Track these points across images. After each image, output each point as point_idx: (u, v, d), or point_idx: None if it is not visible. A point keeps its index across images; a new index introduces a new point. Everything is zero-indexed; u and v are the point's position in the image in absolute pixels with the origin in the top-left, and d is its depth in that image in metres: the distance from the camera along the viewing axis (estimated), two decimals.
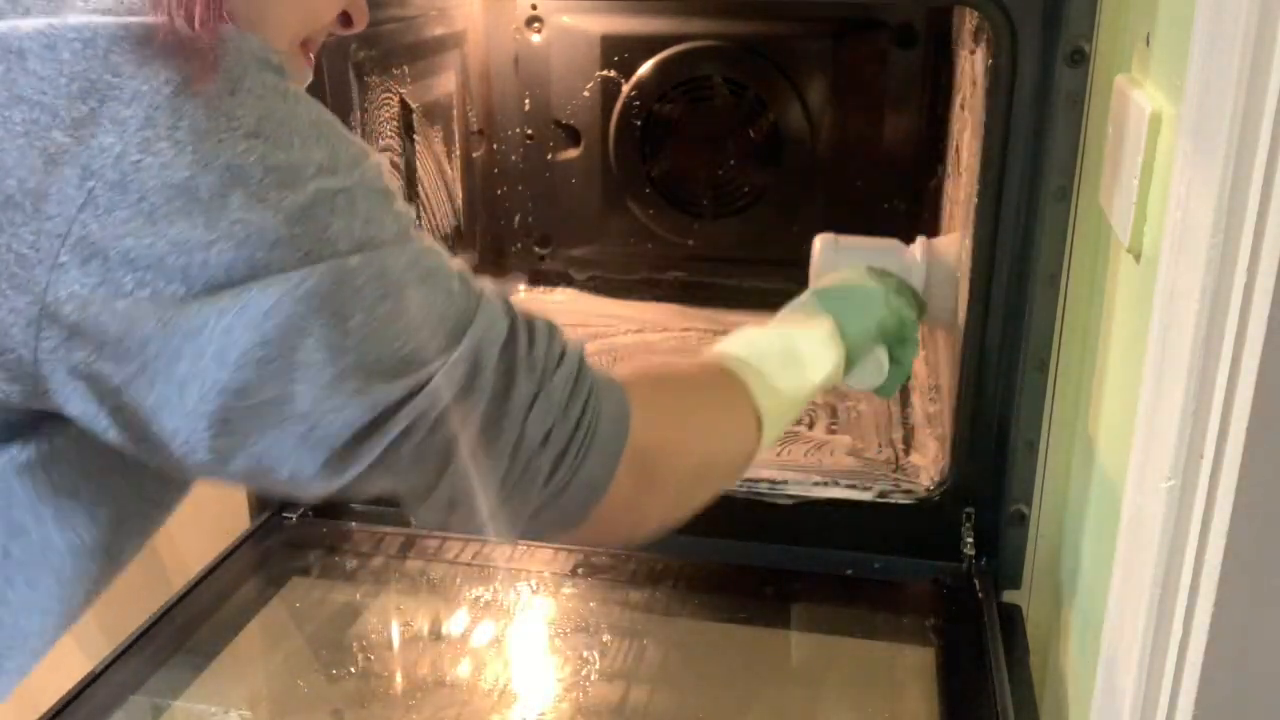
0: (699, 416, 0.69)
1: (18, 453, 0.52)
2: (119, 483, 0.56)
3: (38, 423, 0.52)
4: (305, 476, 0.52)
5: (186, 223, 0.45)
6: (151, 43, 0.46)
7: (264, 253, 0.47)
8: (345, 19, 0.61)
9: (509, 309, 0.58)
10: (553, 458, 0.57)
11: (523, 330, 0.57)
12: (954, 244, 1.08)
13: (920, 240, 1.09)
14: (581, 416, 0.58)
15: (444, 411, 0.53)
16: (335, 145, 0.50)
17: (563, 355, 0.59)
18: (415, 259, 0.52)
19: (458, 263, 0.56)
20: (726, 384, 0.72)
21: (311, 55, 0.61)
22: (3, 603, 0.55)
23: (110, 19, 0.46)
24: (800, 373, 0.78)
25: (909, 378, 0.90)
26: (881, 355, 0.89)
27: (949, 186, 1.37)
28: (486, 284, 0.58)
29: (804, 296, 0.89)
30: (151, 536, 0.61)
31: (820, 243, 1.08)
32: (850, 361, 0.85)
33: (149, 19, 0.47)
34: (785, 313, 0.86)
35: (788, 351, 0.78)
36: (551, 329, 0.60)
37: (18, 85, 0.45)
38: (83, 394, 0.48)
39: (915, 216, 1.52)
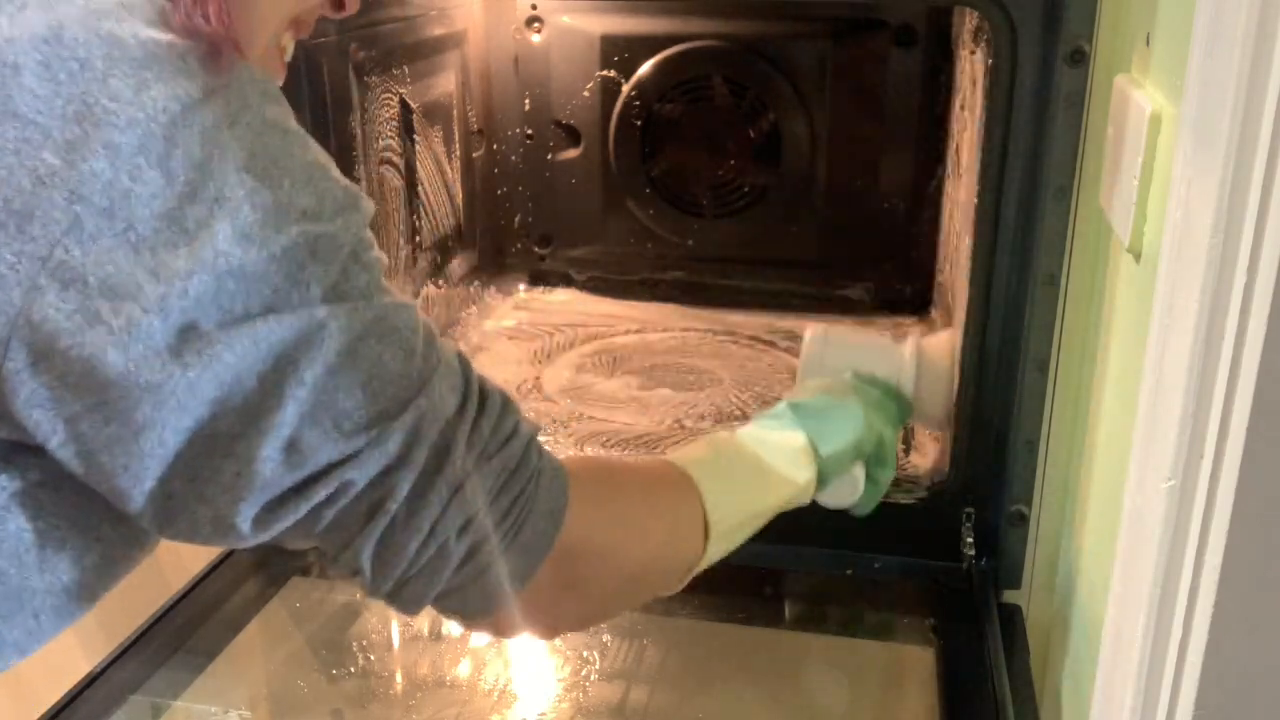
0: (641, 521, 0.66)
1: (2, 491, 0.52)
2: (106, 530, 0.56)
3: (11, 456, 0.52)
4: (234, 529, 0.51)
5: (169, 252, 0.45)
6: (153, 65, 0.45)
7: (237, 285, 0.47)
8: (337, 1, 0.60)
9: (466, 379, 0.57)
10: (467, 547, 0.56)
11: (472, 406, 0.56)
12: (946, 344, 1.06)
13: (911, 340, 1.06)
14: (511, 509, 0.57)
15: (373, 480, 0.52)
16: (323, 191, 0.50)
17: (509, 439, 0.57)
18: (382, 314, 0.52)
19: (424, 318, 0.55)
20: (678, 489, 0.69)
21: (300, 36, 0.60)
22: None
23: (108, 34, 0.45)
24: (764, 487, 0.76)
25: (883, 496, 0.89)
26: (858, 473, 0.86)
27: (949, 186, 1.37)
28: (449, 347, 0.57)
29: (780, 408, 0.85)
30: (128, 575, 0.60)
31: (810, 338, 1.05)
32: (823, 480, 0.82)
33: (158, 32, 0.46)
34: (759, 423, 0.84)
35: (754, 465, 0.76)
36: (505, 406, 0.58)
37: (12, 101, 0.44)
38: (44, 419, 0.48)
39: (915, 216, 1.52)
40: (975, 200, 0.97)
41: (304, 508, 0.51)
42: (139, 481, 0.49)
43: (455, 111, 1.48)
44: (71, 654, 1.21)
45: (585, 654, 0.98)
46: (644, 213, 1.58)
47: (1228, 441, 0.54)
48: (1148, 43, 0.75)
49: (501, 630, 0.62)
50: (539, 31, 1.53)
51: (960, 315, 1.05)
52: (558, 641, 1.00)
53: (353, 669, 0.97)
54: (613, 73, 1.53)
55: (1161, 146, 0.69)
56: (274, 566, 1.10)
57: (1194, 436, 0.56)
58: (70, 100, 0.44)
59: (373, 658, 0.98)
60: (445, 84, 1.44)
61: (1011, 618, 1.01)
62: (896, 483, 1.09)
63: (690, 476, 0.70)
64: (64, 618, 0.57)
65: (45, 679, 0.97)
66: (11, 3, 0.46)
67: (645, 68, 1.51)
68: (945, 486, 1.06)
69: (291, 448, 0.50)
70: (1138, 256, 0.74)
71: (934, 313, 1.48)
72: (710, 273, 1.60)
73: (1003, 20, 0.89)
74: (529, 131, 1.58)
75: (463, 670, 0.97)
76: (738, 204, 1.56)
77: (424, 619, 1.04)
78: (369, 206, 0.53)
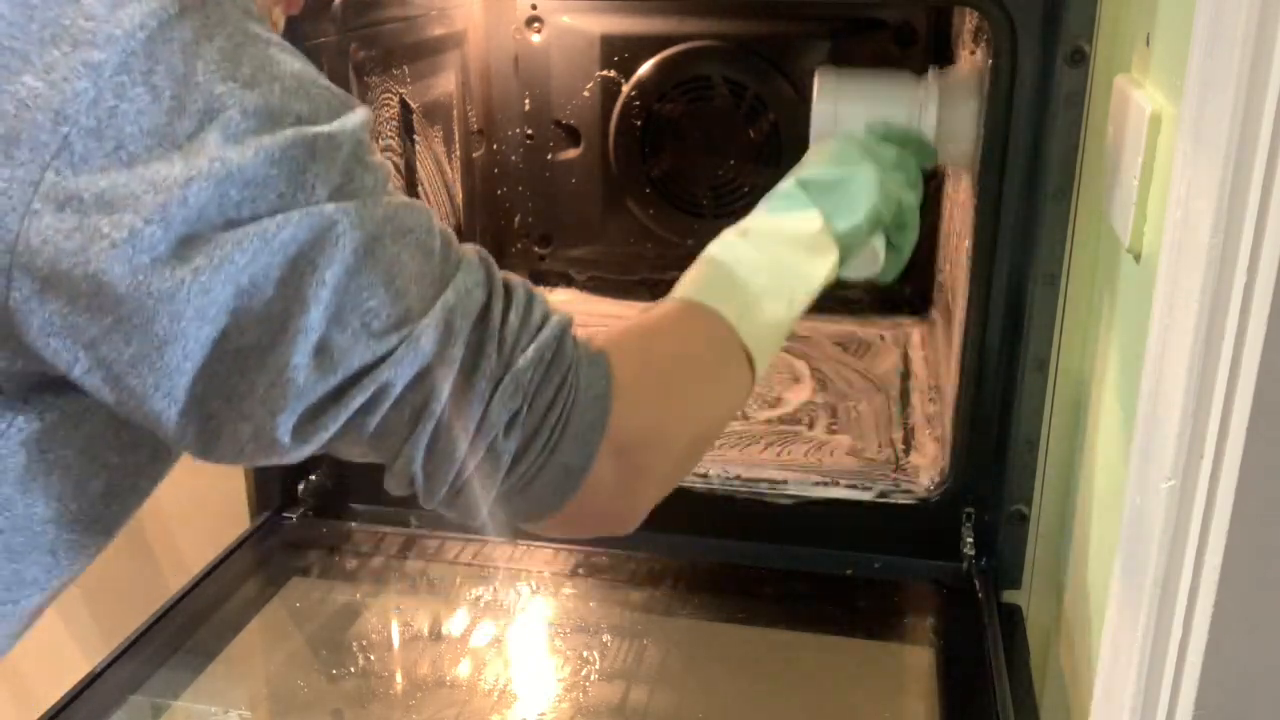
0: (688, 385, 0.65)
1: (9, 428, 0.52)
2: (112, 457, 0.55)
3: (30, 395, 0.52)
4: (276, 442, 0.51)
5: (163, 164, 0.45)
6: None
7: (240, 192, 0.46)
8: None
9: (489, 276, 0.56)
10: (518, 443, 0.55)
11: (499, 301, 0.55)
12: (969, 74, 0.98)
13: (932, 72, 0.98)
14: (555, 400, 0.55)
15: (410, 382, 0.51)
16: (315, 95, 0.49)
17: (539, 329, 0.56)
18: (393, 213, 0.51)
19: (440, 223, 0.55)
20: (713, 336, 0.66)
21: (291, 12, 0.60)
22: None
23: None
24: (792, 294, 0.72)
25: (908, 263, 0.85)
26: (878, 245, 0.82)
27: (949, 187, 1.37)
28: (469, 249, 0.56)
29: (789, 186, 0.80)
30: (138, 508, 0.60)
31: (819, 83, 0.96)
32: (843, 256, 0.78)
33: None
34: (770, 207, 0.79)
35: (778, 274, 0.72)
36: (531, 298, 0.57)
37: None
38: (63, 347, 0.48)
39: None
40: (975, 200, 0.97)
41: (342, 415, 0.51)
42: (173, 400, 0.49)
43: (455, 111, 1.48)
44: (71, 654, 1.21)
45: (585, 654, 0.98)
46: (644, 213, 1.58)
47: (1228, 441, 0.54)
48: (1148, 43, 0.75)
49: (577, 529, 0.60)
50: (539, 31, 1.53)
51: (960, 315, 1.05)
52: (558, 641, 1.00)
53: (353, 669, 0.97)
54: (613, 73, 1.53)
55: (1161, 146, 0.69)
56: (274, 566, 1.10)
57: (1194, 436, 0.56)
58: (45, 24, 0.44)
59: (373, 658, 0.98)
60: (445, 84, 1.44)
61: (1011, 618, 1.01)
62: (896, 483, 1.10)
63: (720, 315, 0.67)
64: (79, 553, 0.58)
65: (45, 679, 0.97)
66: None
67: (645, 68, 1.51)
68: (945, 486, 1.06)
69: (321, 352, 0.49)
70: (1138, 256, 0.74)
71: (934, 313, 1.48)
72: None
73: (1003, 20, 0.89)
74: (529, 131, 1.58)
75: (463, 670, 0.97)
76: (738, 204, 1.56)
77: (424, 620, 1.04)
78: (365, 111, 0.52)
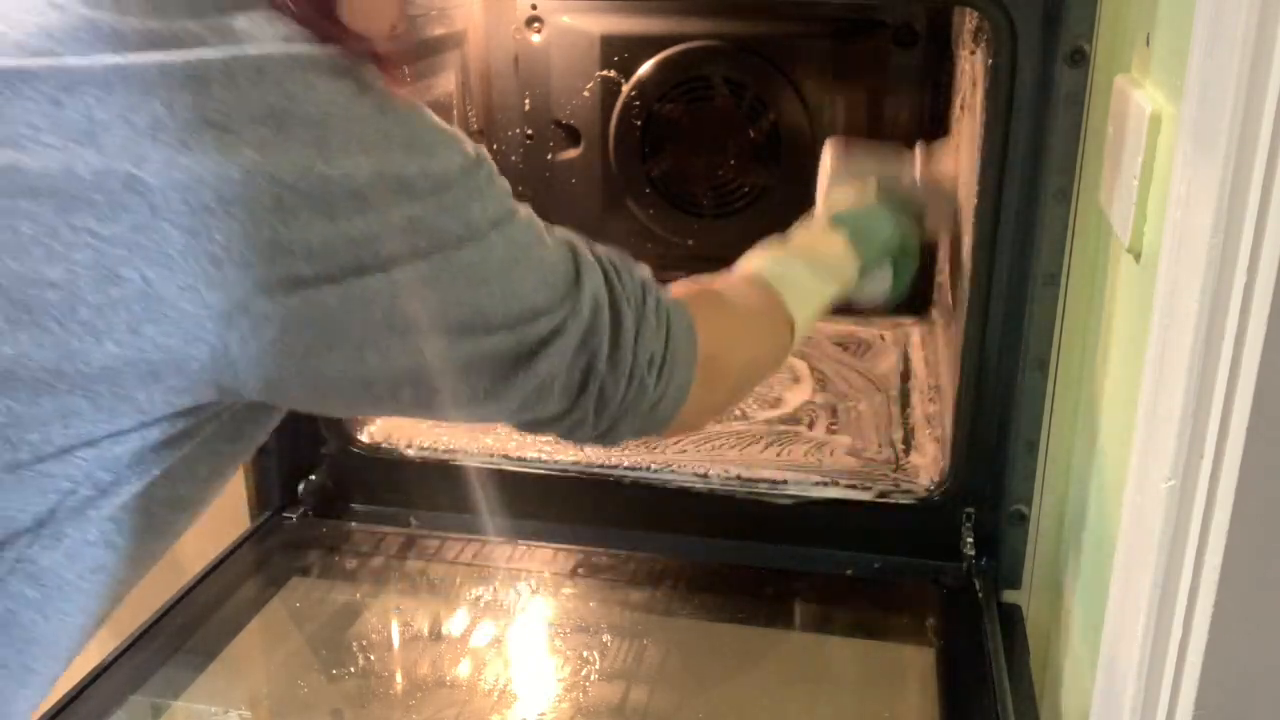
0: (746, 334, 0.81)
1: (115, 498, 0.55)
2: (178, 519, 0.61)
3: (146, 459, 0.55)
4: (477, 408, 0.62)
5: (361, 220, 0.52)
6: (316, 67, 0.52)
7: (426, 239, 0.55)
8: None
9: (594, 255, 0.67)
10: (656, 374, 0.68)
11: (611, 271, 0.66)
12: (950, 152, 1.17)
13: (919, 148, 1.17)
14: (668, 336, 0.69)
15: (577, 349, 0.63)
16: (463, 145, 0.59)
17: (644, 285, 0.69)
18: (529, 226, 0.62)
19: (544, 224, 0.65)
20: (767, 299, 0.83)
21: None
22: (41, 616, 0.56)
23: (277, 50, 0.52)
24: (824, 286, 0.89)
25: (907, 289, 1.04)
26: (887, 269, 1.00)
27: None
28: (567, 235, 0.67)
29: (819, 216, 1.00)
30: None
31: (830, 152, 1.16)
32: (861, 272, 0.96)
33: (314, 45, 0.53)
34: (803, 231, 0.96)
35: (813, 267, 0.89)
36: (625, 262, 0.69)
37: (205, 109, 0.49)
38: (273, 366, 0.53)
39: None
40: (975, 200, 0.97)
41: (531, 380, 0.61)
42: (383, 396, 0.59)
43: (455, 111, 1.48)
44: None
45: (585, 654, 0.98)
46: (644, 213, 1.58)
47: (1228, 441, 0.54)
48: (1148, 43, 0.75)
49: (672, 431, 0.74)
50: (539, 31, 1.53)
51: (960, 315, 1.05)
52: (558, 641, 1.00)
53: (353, 669, 0.97)
54: (613, 73, 1.53)
55: (1161, 146, 0.69)
56: (274, 566, 1.10)
57: (1194, 436, 0.56)
58: (255, 103, 0.50)
59: (373, 658, 0.98)
60: (445, 84, 1.44)
61: (1011, 618, 1.01)
62: (896, 483, 1.10)
63: (774, 288, 0.84)
64: (112, 598, 0.60)
65: None
66: (185, 41, 0.51)
67: (645, 68, 1.51)
68: (945, 486, 1.06)
69: (503, 329, 0.60)
70: (1138, 256, 0.74)
71: (934, 313, 1.48)
72: (710, 273, 1.60)
73: (1003, 20, 0.89)
74: (529, 131, 1.58)
75: (463, 670, 0.97)
76: (738, 204, 1.56)
77: (424, 620, 1.04)
78: (475, 145, 0.61)
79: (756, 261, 0.87)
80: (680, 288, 0.77)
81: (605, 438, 0.69)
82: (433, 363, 0.58)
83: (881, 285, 1.00)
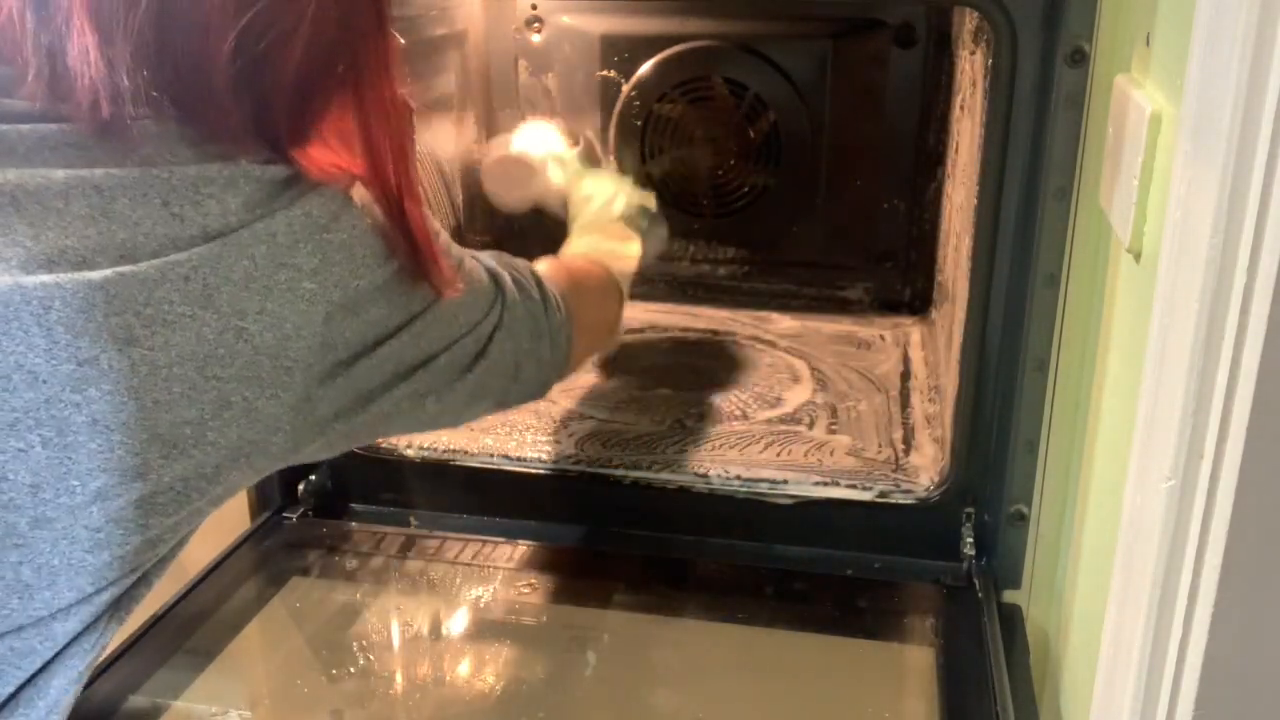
0: (599, 304, 1.03)
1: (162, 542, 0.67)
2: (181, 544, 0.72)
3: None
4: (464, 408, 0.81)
5: (376, 308, 0.68)
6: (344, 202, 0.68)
7: (412, 309, 0.72)
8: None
9: (489, 261, 0.84)
10: (564, 347, 0.89)
11: (511, 283, 0.84)
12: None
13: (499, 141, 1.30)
14: (559, 315, 0.88)
15: (511, 340, 0.82)
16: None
17: (539, 284, 0.87)
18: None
19: (458, 251, 0.81)
20: (608, 279, 1.06)
21: None
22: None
23: (307, 208, 0.65)
24: (630, 260, 1.13)
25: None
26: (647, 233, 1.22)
27: (949, 187, 1.37)
28: (464, 252, 0.81)
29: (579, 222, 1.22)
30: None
31: (492, 171, 1.29)
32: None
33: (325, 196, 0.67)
34: (593, 224, 1.19)
35: (613, 246, 1.13)
36: (510, 260, 0.87)
37: (279, 257, 0.62)
38: (318, 432, 0.67)
39: (915, 217, 1.52)
40: (975, 200, 0.97)
41: (482, 363, 0.79)
42: (405, 419, 0.76)
43: (455, 111, 1.48)
44: None
45: (585, 654, 0.98)
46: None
47: (1228, 441, 0.54)
48: (1148, 43, 0.75)
49: (562, 376, 0.93)
50: (539, 31, 1.53)
51: (960, 315, 1.05)
52: (558, 641, 1.00)
53: (353, 669, 0.97)
54: (613, 73, 1.53)
55: (1161, 146, 0.69)
56: (274, 566, 1.10)
57: (1194, 436, 0.56)
58: (304, 242, 0.64)
59: (373, 658, 0.98)
60: (445, 84, 1.44)
61: (1011, 618, 1.01)
62: (896, 483, 1.10)
63: (609, 269, 1.07)
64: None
65: None
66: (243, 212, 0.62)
67: (645, 68, 1.51)
68: (945, 486, 1.06)
69: (449, 340, 0.77)
70: (1138, 256, 0.74)
71: (934, 313, 1.48)
72: (710, 273, 1.60)
73: (1003, 20, 0.89)
74: None
75: (463, 670, 0.97)
76: (738, 204, 1.56)
77: (424, 620, 1.04)
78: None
79: (581, 260, 1.07)
80: (550, 276, 0.92)
81: (540, 394, 0.90)
82: (430, 389, 0.75)
83: (657, 244, 1.24)
